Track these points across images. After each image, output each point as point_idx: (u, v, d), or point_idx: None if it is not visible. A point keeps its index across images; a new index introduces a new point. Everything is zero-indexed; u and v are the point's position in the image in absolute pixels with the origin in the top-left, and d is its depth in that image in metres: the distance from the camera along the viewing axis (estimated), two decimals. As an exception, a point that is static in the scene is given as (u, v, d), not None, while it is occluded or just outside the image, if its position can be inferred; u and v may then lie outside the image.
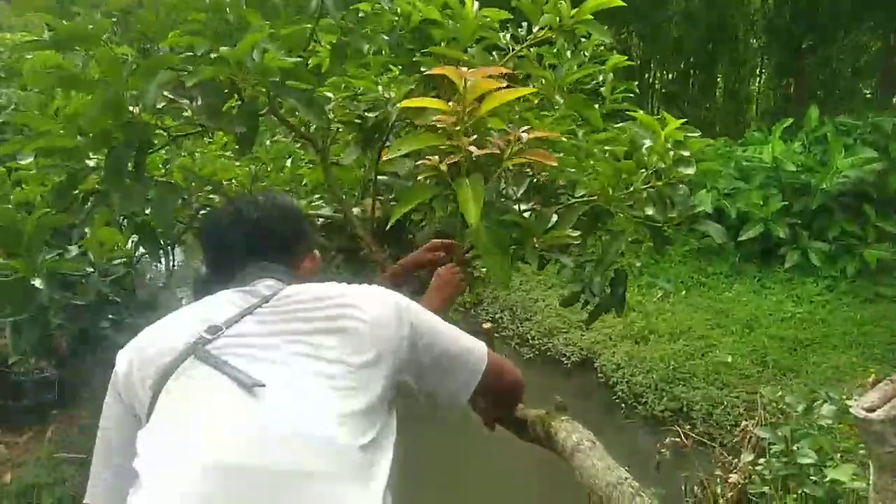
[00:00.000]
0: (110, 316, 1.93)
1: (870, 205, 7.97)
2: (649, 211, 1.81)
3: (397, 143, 1.74)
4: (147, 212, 1.97)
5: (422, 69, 1.98)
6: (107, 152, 1.51)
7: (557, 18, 1.94)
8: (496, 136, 1.79)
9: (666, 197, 1.81)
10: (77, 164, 1.60)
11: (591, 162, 1.99)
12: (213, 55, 1.46)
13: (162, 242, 2.50)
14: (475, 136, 1.71)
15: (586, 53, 2.30)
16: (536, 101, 2.25)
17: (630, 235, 1.82)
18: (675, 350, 6.59)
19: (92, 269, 1.94)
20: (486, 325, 1.80)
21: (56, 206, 1.64)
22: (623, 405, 6.12)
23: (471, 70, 1.62)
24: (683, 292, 8.05)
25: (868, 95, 10.64)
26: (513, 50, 2.01)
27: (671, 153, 1.81)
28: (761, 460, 1.96)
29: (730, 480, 1.97)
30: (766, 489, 1.92)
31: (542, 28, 1.94)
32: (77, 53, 1.53)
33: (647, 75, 13.30)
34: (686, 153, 1.69)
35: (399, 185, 2.61)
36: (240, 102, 1.64)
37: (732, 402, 5.74)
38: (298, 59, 1.65)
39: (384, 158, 2.06)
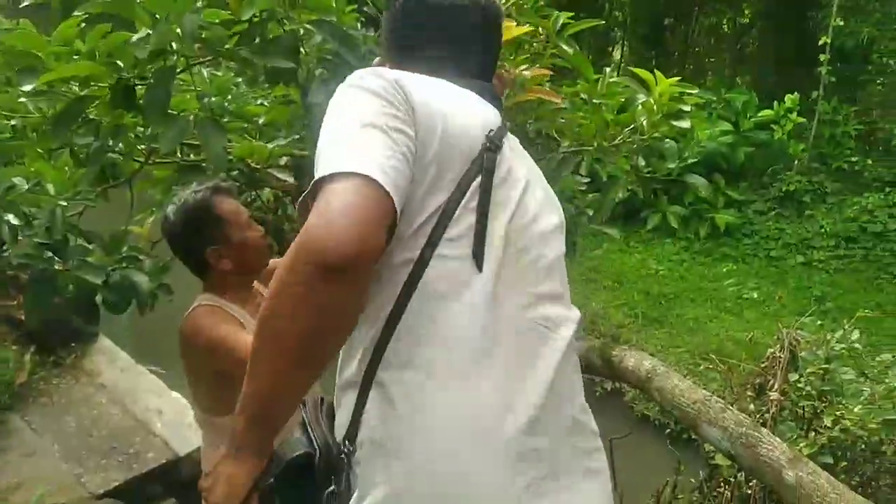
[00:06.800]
0: (81, 258, 1.77)
1: (720, 174, 8.80)
2: (641, 162, 1.93)
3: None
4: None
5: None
6: (146, 86, 1.39)
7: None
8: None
9: (655, 150, 1.94)
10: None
11: (579, 113, 2.07)
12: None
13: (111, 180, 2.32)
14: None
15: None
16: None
17: (624, 185, 1.93)
18: (555, 303, 6.97)
19: (64, 203, 1.76)
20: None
21: (56, 135, 1.47)
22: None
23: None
24: (557, 249, 8.48)
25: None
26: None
27: (655, 108, 1.94)
28: (801, 379, 2.24)
29: (771, 398, 2.20)
30: (814, 403, 2.19)
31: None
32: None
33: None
34: (685, 108, 1.82)
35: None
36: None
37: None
38: None
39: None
